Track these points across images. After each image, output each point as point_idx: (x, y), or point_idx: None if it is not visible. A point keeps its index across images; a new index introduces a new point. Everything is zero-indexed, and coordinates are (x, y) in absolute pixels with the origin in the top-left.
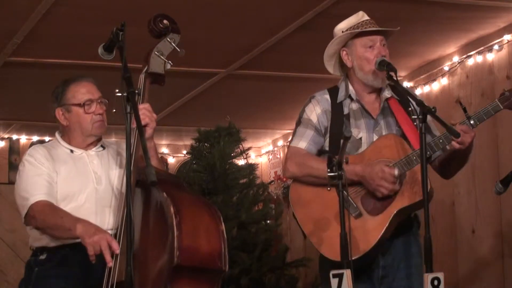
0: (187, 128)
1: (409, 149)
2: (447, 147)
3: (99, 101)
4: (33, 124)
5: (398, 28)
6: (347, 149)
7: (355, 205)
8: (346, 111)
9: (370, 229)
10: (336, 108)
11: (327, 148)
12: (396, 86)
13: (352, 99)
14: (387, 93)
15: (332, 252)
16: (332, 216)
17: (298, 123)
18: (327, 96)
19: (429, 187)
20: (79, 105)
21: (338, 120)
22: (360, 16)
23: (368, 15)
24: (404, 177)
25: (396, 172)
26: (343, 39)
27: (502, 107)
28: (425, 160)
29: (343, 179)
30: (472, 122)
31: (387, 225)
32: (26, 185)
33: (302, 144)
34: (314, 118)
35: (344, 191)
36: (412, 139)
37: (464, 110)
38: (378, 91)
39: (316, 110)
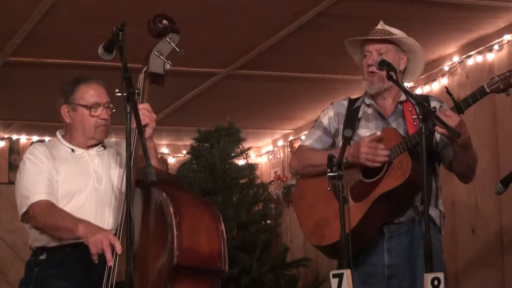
0: (187, 128)
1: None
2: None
3: (106, 105)
4: (33, 124)
5: (386, 36)
6: None
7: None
8: (360, 115)
9: (351, 215)
10: (352, 113)
11: None
12: (396, 86)
13: (367, 105)
14: (402, 97)
15: (314, 237)
16: (322, 205)
17: (312, 126)
18: (345, 102)
19: (409, 172)
20: (86, 106)
21: (350, 123)
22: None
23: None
24: (391, 165)
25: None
26: (348, 46)
27: (488, 91)
28: (425, 159)
29: (344, 179)
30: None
31: (366, 210)
32: (26, 183)
33: (307, 142)
34: (325, 121)
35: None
36: None
37: (449, 94)
38: (395, 95)
39: (329, 113)
